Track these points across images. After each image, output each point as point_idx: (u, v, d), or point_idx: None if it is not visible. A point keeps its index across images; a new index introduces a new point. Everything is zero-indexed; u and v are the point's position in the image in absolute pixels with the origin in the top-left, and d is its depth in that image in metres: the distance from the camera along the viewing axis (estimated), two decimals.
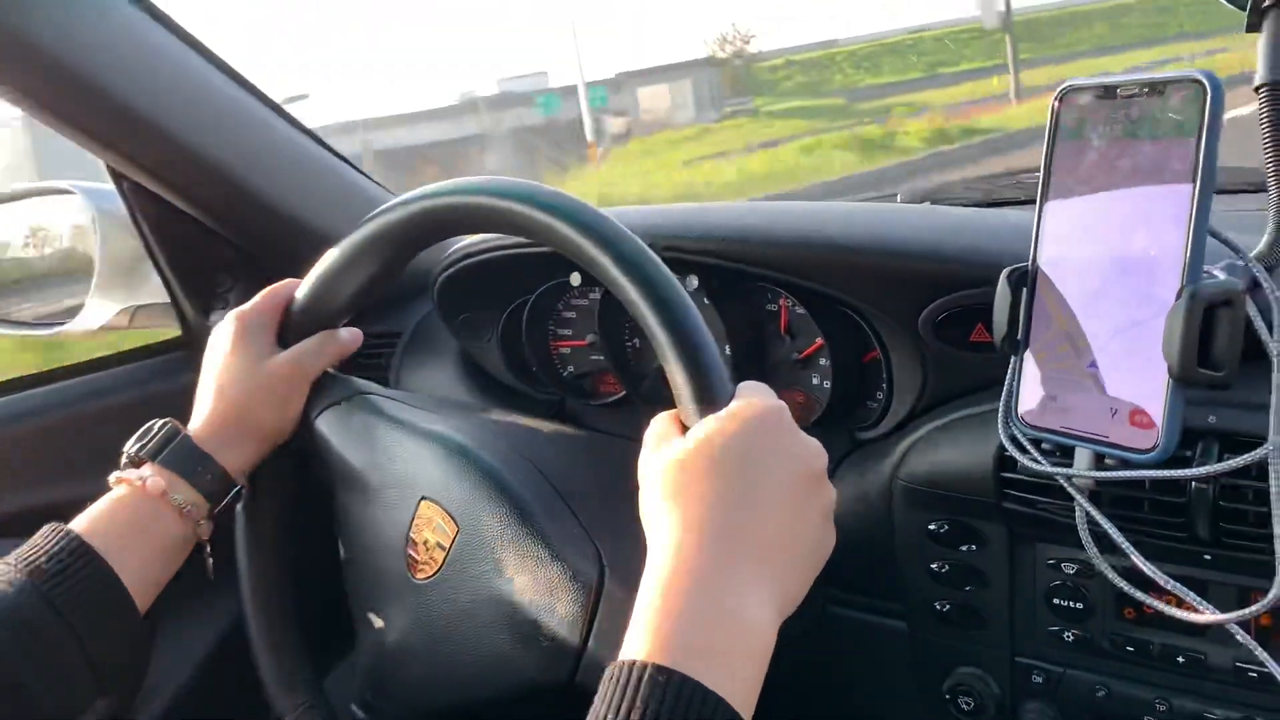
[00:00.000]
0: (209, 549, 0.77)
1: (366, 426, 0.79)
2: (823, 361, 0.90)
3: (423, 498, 0.74)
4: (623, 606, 0.64)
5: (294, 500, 0.85)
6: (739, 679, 0.50)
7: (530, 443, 0.80)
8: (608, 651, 0.64)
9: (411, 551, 0.75)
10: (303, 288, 0.82)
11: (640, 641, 0.51)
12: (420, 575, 0.74)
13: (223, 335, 0.81)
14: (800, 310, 0.89)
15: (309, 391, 0.81)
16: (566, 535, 0.70)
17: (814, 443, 0.60)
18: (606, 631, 0.65)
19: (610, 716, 0.47)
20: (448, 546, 0.72)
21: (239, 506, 0.82)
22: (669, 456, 0.58)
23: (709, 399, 0.60)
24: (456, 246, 1.03)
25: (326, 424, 0.80)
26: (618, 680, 0.48)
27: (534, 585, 0.67)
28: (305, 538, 0.85)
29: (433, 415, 0.80)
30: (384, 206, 0.76)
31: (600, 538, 0.70)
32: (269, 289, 0.83)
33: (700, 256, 0.87)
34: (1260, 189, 0.98)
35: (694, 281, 0.90)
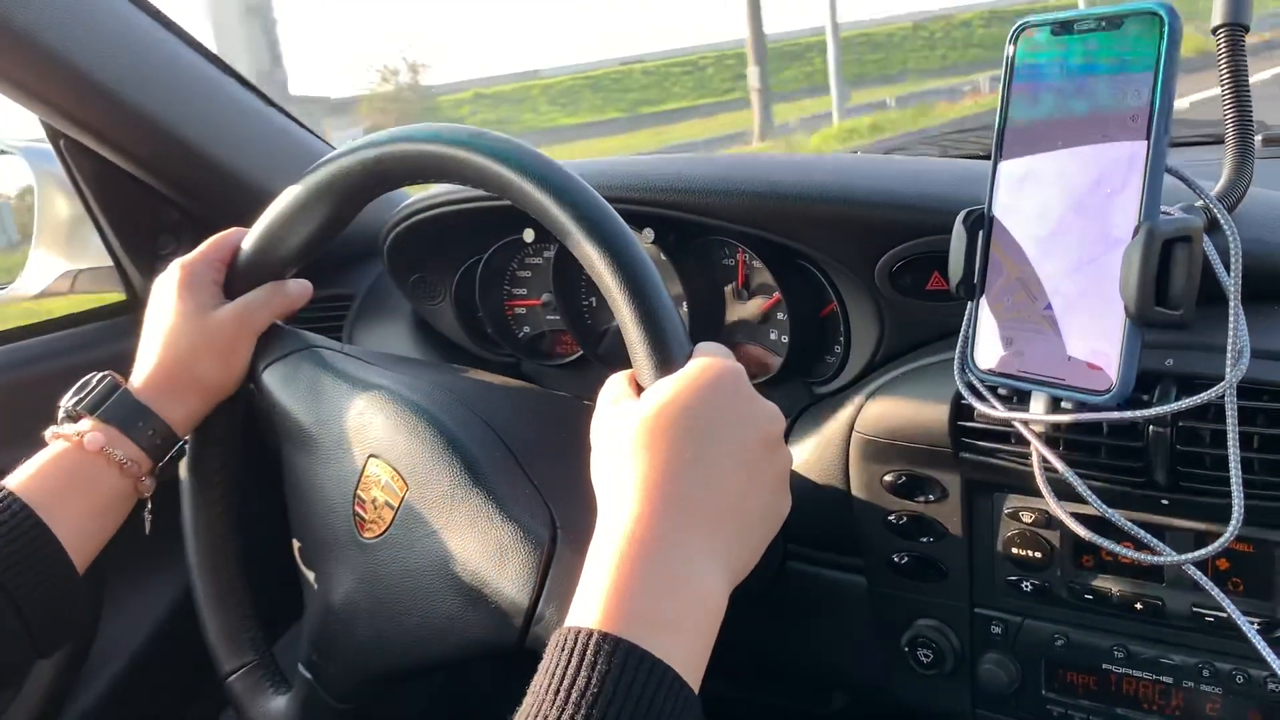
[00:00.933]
0: (149, 506, 0.75)
1: (314, 381, 0.77)
2: (780, 316, 0.89)
3: (371, 455, 0.72)
4: (573, 569, 0.63)
5: (240, 456, 0.83)
6: (688, 648, 0.49)
7: (484, 400, 0.78)
8: (557, 614, 0.62)
9: (359, 509, 0.73)
10: (249, 237, 0.79)
11: (588, 608, 0.49)
12: (368, 534, 0.72)
13: (166, 285, 0.78)
14: (757, 264, 0.88)
15: (256, 345, 0.79)
16: (518, 495, 0.68)
17: (771, 406, 0.59)
18: (557, 593, 0.63)
19: (555, 684, 0.46)
20: (396, 505, 0.70)
21: (182, 463, 0.80)
22: (622, 418, 0.56)
23: (665, 360, 0.59)
24: (405, 203, 1.00)
25: (273, 378, 0.78)
26: (564, 647, 0.47)
27: (484, 546, 0.66)
28: (252, 495, 0.83)
29: (384, 371, 0.78)
30: (332, 154, 0.73)
31: (553, 499, 0.69)
32: (215, 237, 0.80)
33: (655, 208, 0.85)
34: (1218, 141, 0.97)
35: (649, 235, 0.88)
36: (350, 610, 0.73)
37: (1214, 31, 0.69)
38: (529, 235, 0.96)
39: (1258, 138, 0.98)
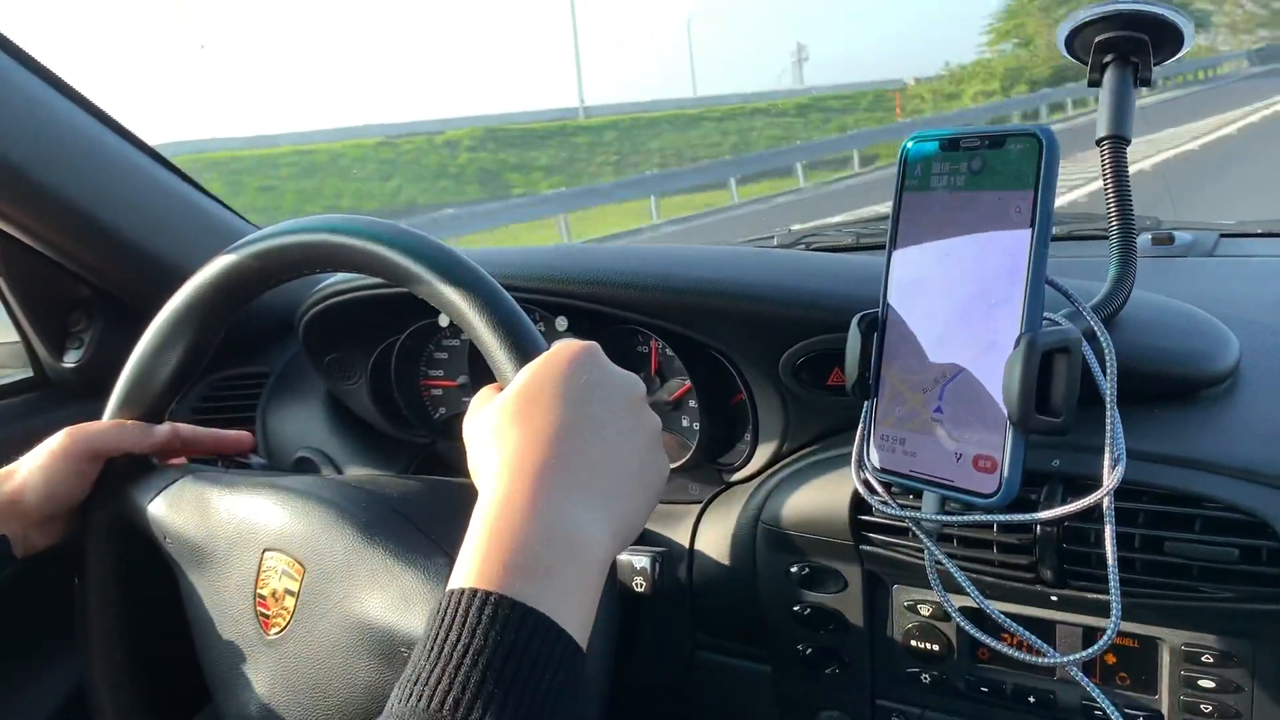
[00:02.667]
0: None
1: (200, 498, 0.76)
2: (692, 404, 0.90)
3: (266, 549, 0.72)
4: None
5: (125, 590, 0.81)
6: (568, 599, 0.48)
7: (376, 481, 0.79)
8: None
9: (261, 608, 0.72)
10: (115, 392, 0.80)
11: (461, 570, 0.49)
12: (274, 629, 0.71)
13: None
14: (669, 352, 0.89)
15: (96, 469, 0.78)
16: (415, 547, 0.68)
17: (630, 374, 0.60)
18: None
19: (430, 645, 0.45)
20: (297, 590, 0.70)
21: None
22: (487, 410, 0.58)
23: (520, 353, 0.61)
24: (322, 284, 1.00)
25: (160, 509, 0.77)
26: (438, 611, 0.47)
27: (387, 600, 0.65)
28: (151, 646, 0.81)
29: (269, 475, 0.78)
30: (186, 285, 0.76)
31: (451, 548, 0.69)
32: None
33: (568, 299, 0.86)
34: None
35: (563, 322, 0.89)
36: (267, 713, 0.71)
37: (1098, 143, 0.73)
38: (444, 319, 0.96)
39: (1146, 236, 1.02)
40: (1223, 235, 1.04)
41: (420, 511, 0.73)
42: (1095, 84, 0.75)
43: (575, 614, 0.48)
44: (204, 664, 0.76)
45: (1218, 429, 0.67)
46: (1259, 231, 1.06)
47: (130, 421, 0.79)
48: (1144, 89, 0.75)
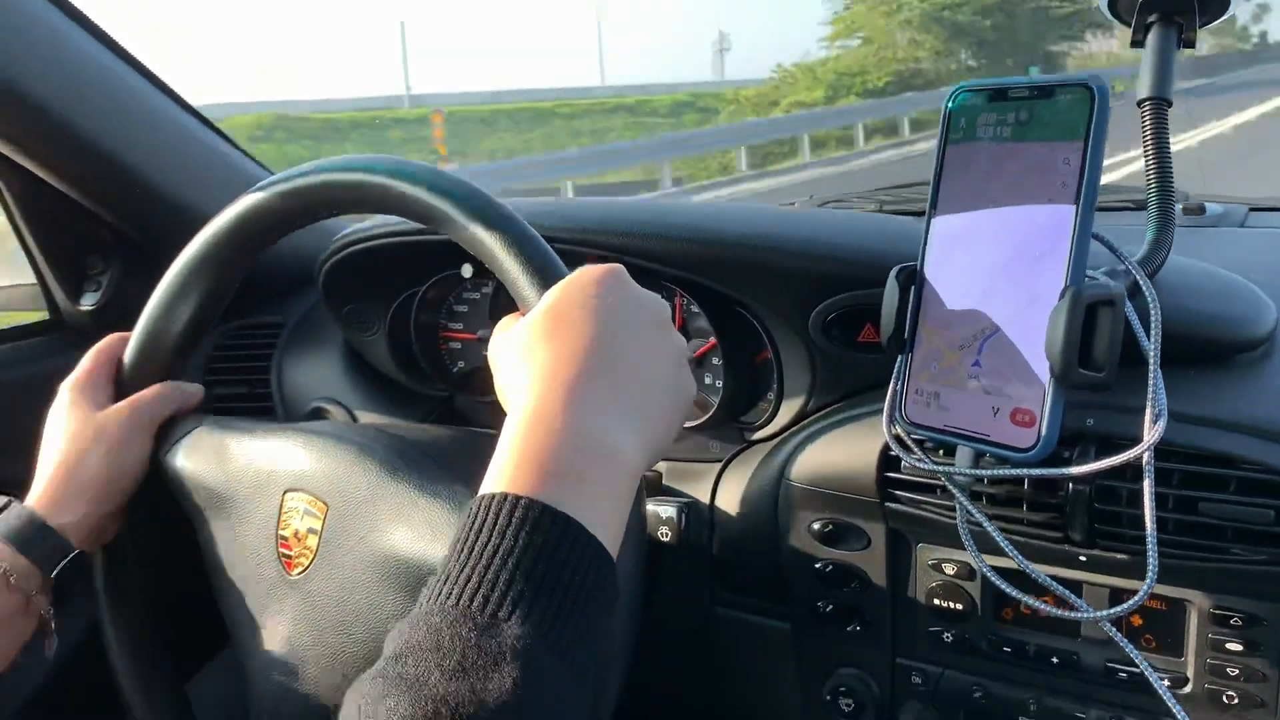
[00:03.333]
0: (52, 626, 0.71)
1: (219, 446, 0.75)
2: (715, 361, 0.89)
3: (287, 490, 0.71)
4: None
5: (155, 560, 0.80)
6: (599, 505, 0.48)
7: (397, 427, 0.78)
8: None
9: (284, 549, 0.71)
10: (131, 341, 0.78)
11: (492, 478, 0.49)
12: (297, 569, 0.70)
13: (57, 405, 0.76)
14: (695, 309, 0.89)
15: (154, 439, 0.77)
16: (439, 479, 0.67)
17: (654, 295, 0.60)
18: None
19: (460, 548, 0.46)
20: (319, 529, 0.69)
21: (98, 581, 0.78)
22: (514, 332, 0.57)
23: (543, 279, 0.61)
24: (343, 232, 0.99)
25: (179, 459, 0.76)
26: (469, 514, 0.47)
27: (414, 531, 0.65)
28: (177, 597, 0.80)
29: (287, 424, 0.78)
30: (205, 229, 0.74)
31: (472, 481, 0.68)
32: (95, 349, 0.78)
33: (595, 249, 0.85)
34: (1141, 207, 1.01)
35: None
36: (294, 655, 0.71)
37: (1139, 105, 0.72)
38: (467, 270, 0.96)
39: (1177, 207, 1.01)
40: (1252, 209, 1.03)
41: (442, 451, 0.73)
42: (1138, 44, 0.74)
43: (606, 521, 0.48)
44: (225, 609, 0.76)
45: (1254, 393, 0.67)
46: None
47: (183, 384, 0.78)
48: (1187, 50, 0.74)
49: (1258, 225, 1.00)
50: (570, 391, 0.52)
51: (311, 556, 0.70)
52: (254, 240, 0.74)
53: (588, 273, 0.58)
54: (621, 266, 0.60)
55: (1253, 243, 0.94)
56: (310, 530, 0.70)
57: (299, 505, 0.71)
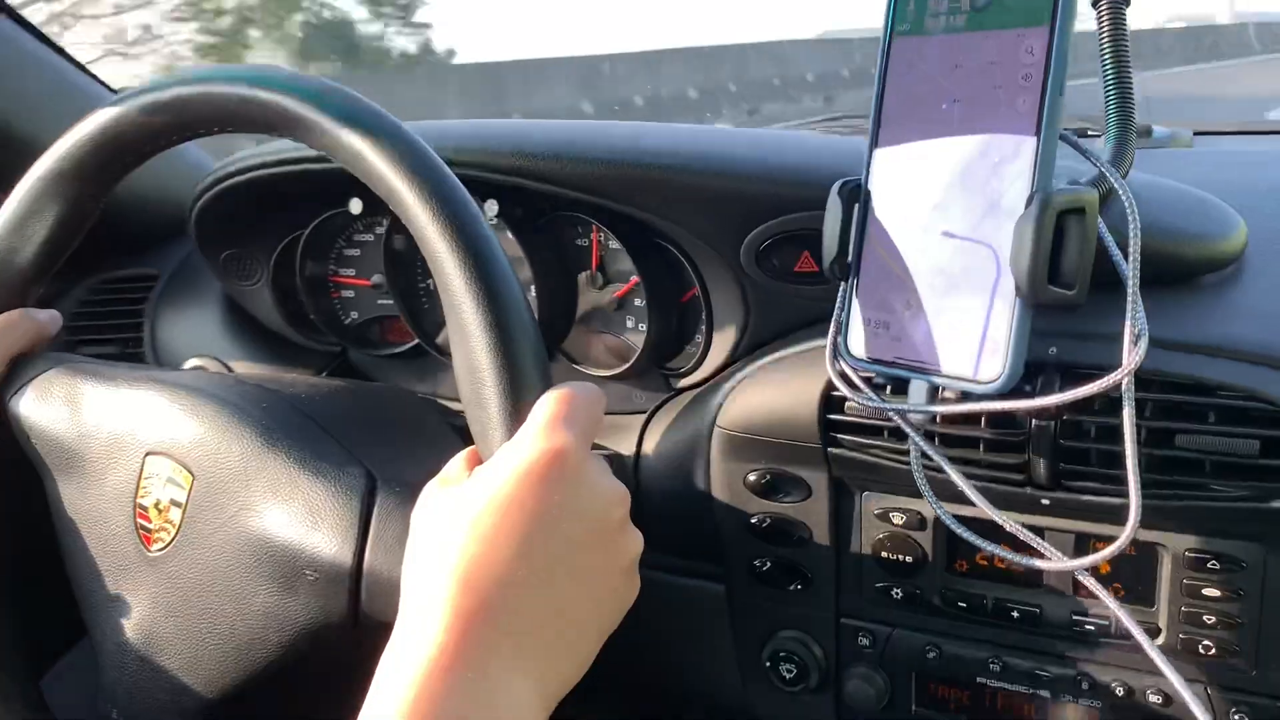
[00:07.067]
0: None
1: (71, 393, 0.65)
2: (638, 302, 0.81)
3: (148, 453, 0.62)
4: (399, 517, 0.55)
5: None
6: None
7: (277, 381, 0.69)
8: (386, 568, 0.54)
9: (142, 520, 0.62)
10: None
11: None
12: (156, 545, 0.62)
13: None
14: (613, 245, 0.80)
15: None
16: (323, 454, 0.59)
17: (618, 489, 0.51)
18: (383, 544, 0.55)
19: None
20: (184, 502, 0.60)
21: None
22: (446, 505, 0.49)
23: (513, 419, 0.50)
24: (217, 166, 0.88)
25: (25, 404, 0.66)
26: None
27: (290, 514, 0.57)
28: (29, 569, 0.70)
29: (151, 369, 0.67)
30: (66, 133, 0.63)
31: (367, 457, 0.60)
32: None
33: (502, 175, 0.76)
34: (1092, 135, 0.95)
35: (493, 208, 0.79)
36: (149, 640, 0.61)
37: (1094, 5, 0.65)
38: (355, 206, 0.85)
39: None
40: (1197, 133, 0.98)
41: (328, 414, 0.64)
42: None
43: None
44: (75, 584, 0.66)
45: (1228, 314, 0.61)
46: (1233, 130, 1.01)
47: (35, 311, 0.68)
48: None
49: (1204, 149, 0.95)
50: (475, 638, 0.44)
51: (174, 532, 0.60)
52: (118, 156, 0.63)
53: (548, 458, 0.48)
54: (591, 424, 0.51)
55: (1201, 163, 0.89)
56: (173, 502, 0.61)
57: (162, 471, 0.61)
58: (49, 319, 0.69)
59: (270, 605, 0.58)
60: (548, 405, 0.50)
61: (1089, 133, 0.90)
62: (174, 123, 0.61)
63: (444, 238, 0.52)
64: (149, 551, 0.62)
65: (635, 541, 0.52)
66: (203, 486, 0.60)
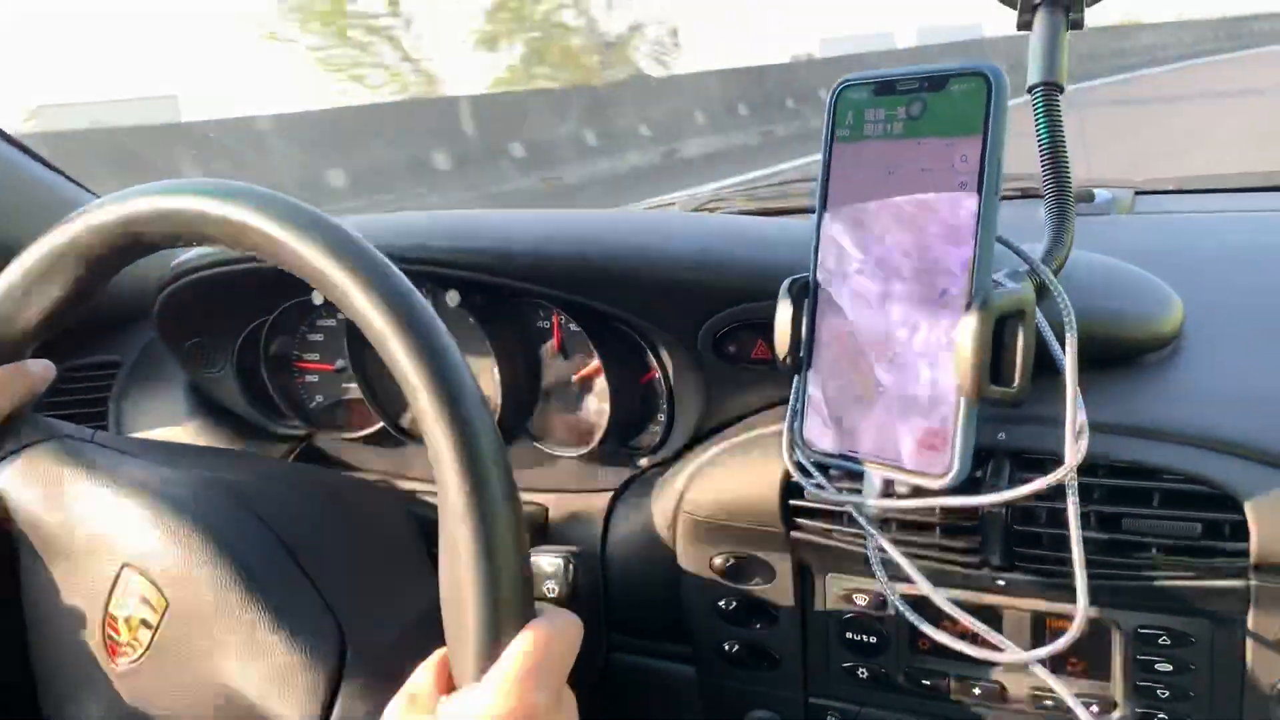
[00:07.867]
0: None
1: (57, 477, 0.65)
2: (600, 383, 0.82)
3: (125, 564, 0.62)
4: (364, 692, 0.56)
5: None
6: None
7: (260, 491, 0.68)
8: None
9: (111, 630, 0.62)
10: None
11: None
12: (122, 659, 0.61)
13: None
14: (575, 328, 0.81)
15: None
16: (299, 605, 0.59)
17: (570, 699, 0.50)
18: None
19: None
20: (155, 624, 0.60)
21: None
22: None
23: (490, 651, 0.48)
24: (180, 259, 0.89)
25: (7, 477, 0.65)
26: None
27: (259, 669, 0.57)
28: None
29: (140, 463, 0.67)
30: (72, 215, 0.62)
31: (339, 604, 0.60)
32: None
33: (461, 270, 0.77)
34: (1028, 195, 0.98)
35: (454, 297, 0.80)
36: None
37: (1030, 90, 0.67)
38: (318, 297, 0.86)
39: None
40: (1138, 193, 1.01)
41: (308, 543, 0.64)
42: (1025, 27, 0.70)
43: None
44: (38, 674, 0.65)
45: (1169, 395, 0.63)
46: (1171, 188, 1.04)
47: (28, 365, 0.65)
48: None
49: (1145, 210, 0.97)
50: None
51: (140, 651, 0.60)
52: (135, 243, 0.60)
53: (523, 709, 0.46)
54: (567, 664, 0.49)
55: (1142, 228, 0.92)
56: (144, 622, 0.60)
57: (136, 589, 0.61)
58: (43, 370, 0.67)
59: None
60: (524, 652, 0.47)
61: (1034, 192, 0.92)
62: (162, 234, 0.58)
63: (446, 442, 0.48)
64: (114, 664, 0.61)
65: None
66: (175, 617, 0.59)
